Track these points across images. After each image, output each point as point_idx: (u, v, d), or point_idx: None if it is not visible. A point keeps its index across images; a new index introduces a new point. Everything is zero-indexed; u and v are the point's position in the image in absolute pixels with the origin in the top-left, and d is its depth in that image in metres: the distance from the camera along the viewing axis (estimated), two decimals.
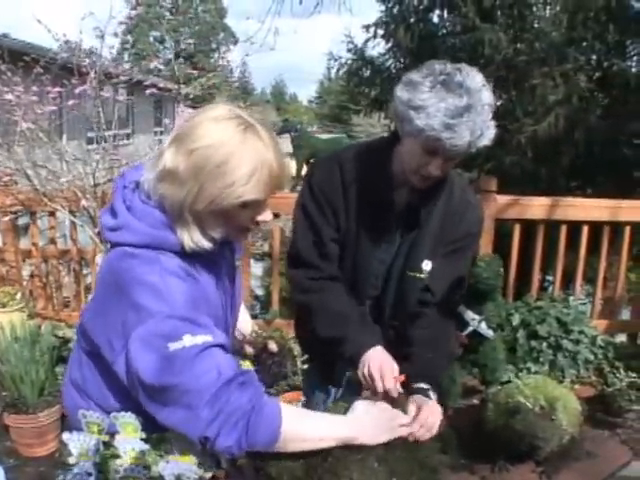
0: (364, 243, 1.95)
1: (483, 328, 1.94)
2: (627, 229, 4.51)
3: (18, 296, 4.28)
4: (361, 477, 1.47)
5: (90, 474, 1.33)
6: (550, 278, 5.94)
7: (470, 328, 1.95)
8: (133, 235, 1.41)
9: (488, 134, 1.69)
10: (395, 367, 1.77)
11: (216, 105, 1.45)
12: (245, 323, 1.98)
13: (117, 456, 1.33)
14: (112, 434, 1.40)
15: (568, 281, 4.94)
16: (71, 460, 1.34)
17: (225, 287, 1.61)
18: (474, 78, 1.66)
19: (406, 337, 1.97)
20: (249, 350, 1.90)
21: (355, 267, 1.98)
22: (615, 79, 6.24)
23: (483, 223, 2.08)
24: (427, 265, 1.93)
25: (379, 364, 1.76)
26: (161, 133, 17.05)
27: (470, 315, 1.93)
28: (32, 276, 4.69)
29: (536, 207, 4.36)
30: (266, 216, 1.48)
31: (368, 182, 1.90)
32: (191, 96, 5.12)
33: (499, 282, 1.94)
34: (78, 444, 1.35)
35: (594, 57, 6.46)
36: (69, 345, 3.72)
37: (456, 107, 1.61)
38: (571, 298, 4.62)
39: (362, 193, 1.91)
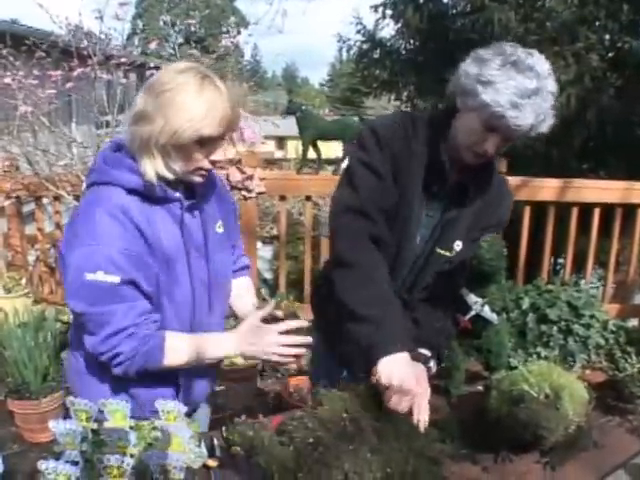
0: (414, 215, 1.91)
1: (487, 312, 1.88)
2: (639, 211, 4.45)
3: (23, 281, 4.27)
4: (353, 467, 1.42)
5: (76, 463, 1.29)
6: (561, 261, 5.88)
7: (473, 312, 1.88)
8: (96, 175, 1.66)
9: (548, 122, 1.72)
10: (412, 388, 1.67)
11: (180, 62, 1.75)
12: (244, 303, 2.05)
13: (104, 445, 1.29)
14: (100, 421, 1.37)
15: (579, 264, 4.86)
16: (57, 449, 1.31)
17: (192, 238, 1.75)
18: (543, 64, 1.69)
19: (412, 306, 1.98)
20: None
21: (400, 242, 1.94)
22: (628, 59, 6.12)
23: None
24: (458, 246, 1.94)
25: (398, 381, 1.65)
26: None
27: (473, 298, 1.87)
28: (38, 261, 4.68)
29: (547, 189, 4.31)
30: (219, 156, 1.67)
31: (427, 152, 1.88)
32: None
33: (502, 263, 1.88)
34: (64, 432, 1.31)
35: (607, 36, 6.32)
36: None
37: (525, 88, 1.63)
38: (582, 282, 4.57)
39: (419, 162, 1.88)
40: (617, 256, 4.67)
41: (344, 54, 10.68)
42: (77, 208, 1.67)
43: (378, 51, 8.69)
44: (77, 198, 4.18)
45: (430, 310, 1.98)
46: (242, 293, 2.07)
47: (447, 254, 1.94)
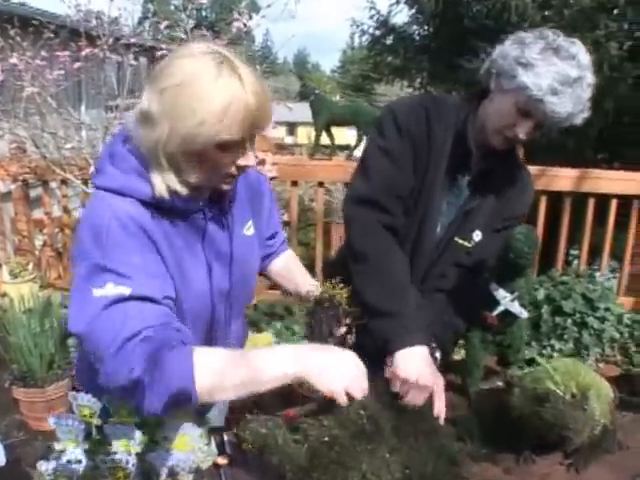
0: (435, 202, 1.85)
1: (516, 307, 1.79)
2: None
3: (30, 266, 4.22)
4: (371, 468, 1.34)
5: (80, 461, 1.22)
6: (573, 252, 5.79)
7: (501, 307, 1.79)
8: (104, 179, 1.40)
9: (584, 114, 1.67)
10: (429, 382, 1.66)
11: (192, 43, 1.40)
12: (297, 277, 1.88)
13: (108, 443, 1.22)
14: (105, 419, 1.29)
15: (592, 256, 4.77)
16: (58, 446, 1.23)
17: (216, 249, 1.52)
18: (585, 55, 1.64)
19: (425, 297, 1.91)
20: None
21: (420, 230, 1.88)
22: None
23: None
24: (477, 236, 1.89)
25: (416, 376, 1.64)
26: None
27: (502, 293, 1.78)
28: (45, 245, 4.63)
29: (564, 178, 4.24)
30: (248, 160, 1.38)
31: (451, 136, 1.81)
32: None
33: (535, 256, 1.81)
34: (66, 429, 1.24)
35: (626, 25, 6.19)
36: None
37: (567, 75, 1.59)
38: (597, 274, 4.48)
39: (443, 147, 1.81)
40: (633, 249, 4.58)
41: (356, 40, 10.66)
42: (83, 213, 1.45)
43: (391, 37, 8.60)
44: (85, 182, 4.13)
45: (442, 303, 1.92)
46: (292, 267, 1.91)
47: (466, 244, 1.89)
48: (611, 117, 5.74)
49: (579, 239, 4.61)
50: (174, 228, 1.42)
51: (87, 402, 1.26)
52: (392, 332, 1.71)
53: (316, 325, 1.57)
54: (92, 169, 3.90)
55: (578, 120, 1.67)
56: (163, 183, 1.35)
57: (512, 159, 1.89)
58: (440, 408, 1.65)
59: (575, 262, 5.06)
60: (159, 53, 3.82)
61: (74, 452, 1.23)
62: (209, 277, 1.51)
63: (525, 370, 2.03)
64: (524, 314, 1.82)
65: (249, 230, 1.64)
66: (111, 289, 1.26)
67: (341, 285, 1.59)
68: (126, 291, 1.27)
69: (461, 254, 1.90)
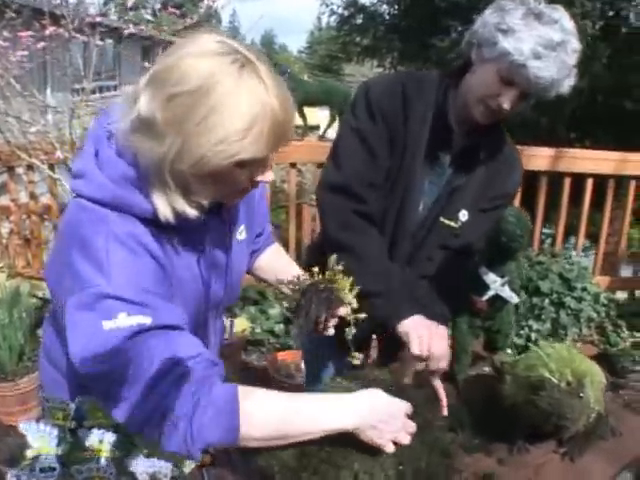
0: (415, 182, 1.77)
1: (506, 291, 1.73)
2: (632, 183, 4.39)
3: None
4: (364, 467, 1.28)
5: (54, 469, 1.13)
6: (546, 231, 5.79)
7: (491, 292, 1.73)
8: (90, 187, 1.18)
9: (570, 81, 1.59)
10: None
11: (203, 35, 1.15)
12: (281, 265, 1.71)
13: (83, 448, 1.13)
14: (79, 421, 1.20)
15: (566, 235, 4.77)
16: (29, 453, 1.14)
17: (213, 262, 1.36)
18: (569, 21, 1.57)
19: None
20: (286, 290, 1.56)
21: (401, 210, 1.80)
22: (619, 28, 6.00)
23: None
24: (464, 216, 1.81)
25: (428, 331, 1.62)
26: None
27: (492, 277, 1.72)
28: (11, 233, 4.49)
29: (541, 158, 4.21)
30: (267, 176, 1.21)
31: (430, 113, 1.74)
32: None
33: (527, 239, 1.74)
34: (38, 435, 1.15)
35: (598, 5, 6.18)
36: (51, 306, 3.53)
37: (550, 39, 1.52)
38: (573, 253, 4.48)
39: (422, 124, 1.74)
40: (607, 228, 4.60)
41: (324, 21, 10.57)
42: (66, 227, 1.20)
43: (361, 16, 8.52)
44: (52, 167, 3.99)
45: (431, 291, 1.86)
46: (272, 259, 1.74)
47: (452, 224, 1.82)
48: (585, 96, 5.74)
49: (555, 219, 4.60)
50: (171, 243, 1.24)
51: (60, 404, 1.16)
52: (385, 309, 1.68)
53: (305, 305, 1.48)
54: (58, 153, 3.78)
55: (564, 87, 1.59)
56: (167, 205, 1.16)
57: (497, 135, 1.82)
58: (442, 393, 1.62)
59: (548, 241, 5.06)
60: (126, 32, 3.69)
61: (47, 459, 1.14)
62: (205, 293, 1.36)
63: (511, 354, 1.99)
64: (515, 299, 1.77)
65: (241, 234, 1.48)
66: (125, 320, 1.08)
67: (342, 274, 1.50)
68: (146, 320, 1.10)
69: (448, 236, 1.84)
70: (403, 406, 1.29)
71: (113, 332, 1.07)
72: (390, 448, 1.25)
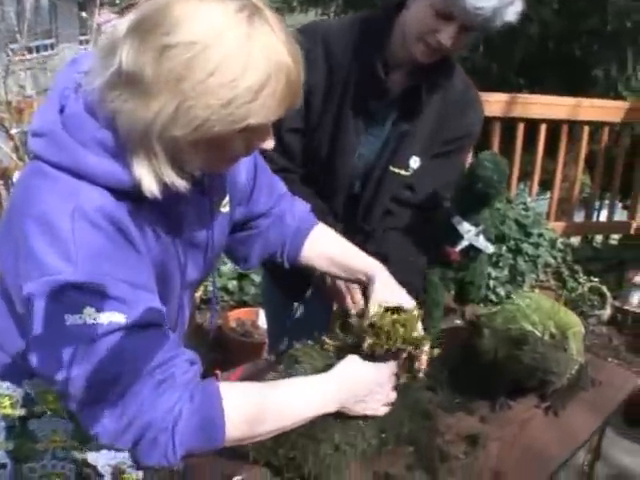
0: (345, 133, 1.65)
1: (481, 241, 1.63)
2: (585, 129, 4.45)
3: None
4: (345, 438, 1.19)
5: (4, 465, 0.98)
6: None
7: (465, 242, 1.63)
8: (53, 149, 1.00)
9: (516, 7, 1.46)
10: None
11: None
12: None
13: (35, 439, 0.99)
14: (30, 408, 1.05)
15: (517, 181, 4.75)
16: None
17: (192, 242, 1.20)
18: None
19: (377, 239, 1.78)
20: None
21: (330, 163, 1.69)
22: None
23: (482, 123, 1.83)
24: (415, 162, 1.70)
25: None
26: (87, 42, 16.03)
27: (466, 227, 1.61)
28: None
29: (495, 103, 4.15)
30: (269, 144, 1.06)
31: (359, 59, 1.61)
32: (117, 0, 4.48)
33: (505, 185, 1.64)
34: None
35: None
36: None
37: None
38: (528, 199, 4.45)
39: (350, 72, 1.61)
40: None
41: None
42: (21, 194, 1.02)
43: None
44: None
45: (400, 244, 1.77)
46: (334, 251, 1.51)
47: (402, 172, 1.71)
48: (535, 42, 5.67)
49: (509, 165, 4.55)
50: (147, 221, 1.07)
51: (6, 390, 1.02)
52: None
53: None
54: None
55: (509, 15, 1.45)
56: (152, 176, 0.98)
57: (447, 74, 1.67)
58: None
59: None
60: None
61: None
62: (182, 274, 1.20)
63: (482, 306, 1.91)
64: (490, 249, 1.68)
65: (225, 207, 1.29)
66: (94, 316, 0.93)
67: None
68: (119, 319, 0.95)
69: (401, 186, 1.74)
70: (384, 369, 1.22)
71: (78, 329, 0.92)
72: (382, 411, 1.23)
